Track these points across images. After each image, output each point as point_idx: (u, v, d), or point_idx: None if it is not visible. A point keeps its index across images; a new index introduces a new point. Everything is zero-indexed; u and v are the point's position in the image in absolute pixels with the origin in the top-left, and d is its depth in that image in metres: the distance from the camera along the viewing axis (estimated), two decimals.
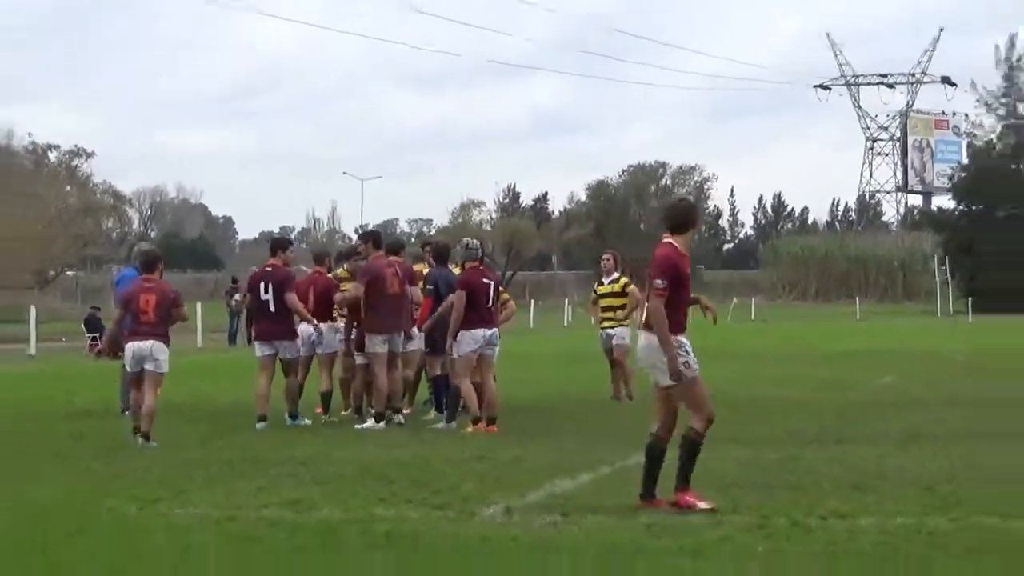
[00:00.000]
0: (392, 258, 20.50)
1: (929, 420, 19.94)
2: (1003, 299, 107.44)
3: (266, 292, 20.47)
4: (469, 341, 19.17)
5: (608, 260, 25.29)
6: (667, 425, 12.52)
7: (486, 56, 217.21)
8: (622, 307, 24.64)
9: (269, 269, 20.85)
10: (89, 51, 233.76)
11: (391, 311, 20.03)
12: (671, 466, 12.22)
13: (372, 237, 21.27)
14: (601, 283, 25.38)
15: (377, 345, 19.92)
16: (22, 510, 12.41)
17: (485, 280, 19.33)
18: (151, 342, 18.10)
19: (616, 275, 24.89)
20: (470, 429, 19.07)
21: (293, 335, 20.73)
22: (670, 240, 12.62)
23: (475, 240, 21.37)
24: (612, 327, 24.62)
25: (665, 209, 13.44)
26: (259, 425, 19.86)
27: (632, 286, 25.06)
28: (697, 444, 12.33)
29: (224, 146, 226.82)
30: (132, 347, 18.28)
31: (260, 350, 20.78)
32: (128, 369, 18.88)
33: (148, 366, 18.13)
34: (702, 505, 11.95)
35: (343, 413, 21.40)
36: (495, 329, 19.45)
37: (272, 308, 20.44)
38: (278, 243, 22.29)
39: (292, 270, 21.65)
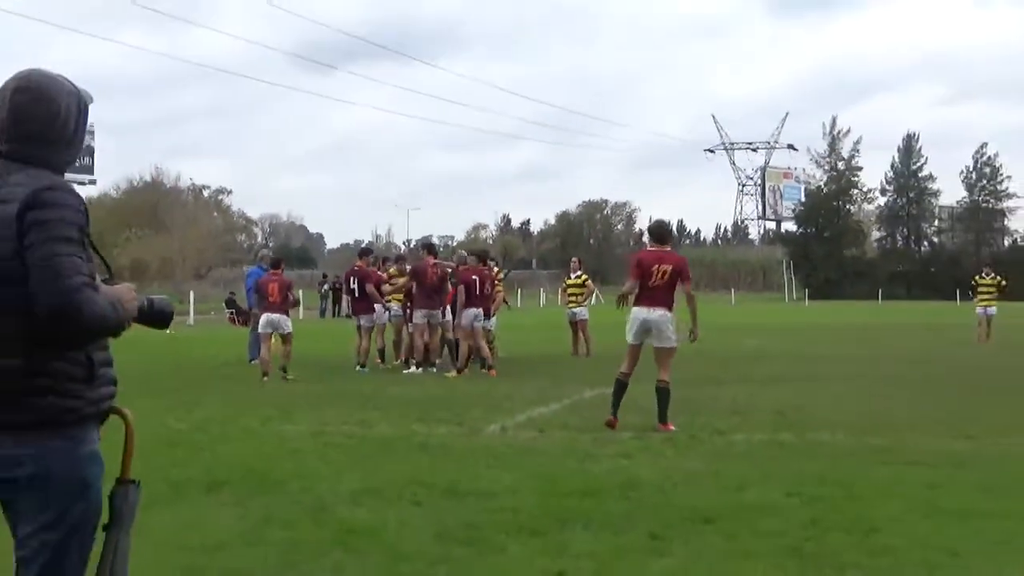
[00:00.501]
0: (433, 260, 20.65)
1: (782, 369, 19.97)
2: (827, 289, 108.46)
3: (354, 283, 20.85)
4: (468, 316, 19.38)
5: (575, 262, 26.41)
6: (631, 368, 12.32)
7: (490, 129, 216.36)
8: (581, 293, 25.12)
9: (357, 268, 21.22)
10: (232, 125, 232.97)
11: (429, 296, 20.03)
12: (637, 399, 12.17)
13: (428, 247, 21.43)
14: (569, 277, 26.14)
15: (419, 318, 19.95)
16: (188, 423, 12.40)
17: (474, 277, 19.69)
18: (278, 315, 18.76)
19: (579, 272, 25.51)
20: (452, 374, 19.06)
21: (371, 311, 20.79)
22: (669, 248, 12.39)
23: (464, 252, 22.30)
24: (575, 306, 25.05)
25: (659, 227, 12.95)
26: (359, 369, 20.09)
27: (589, 280, 25.66)
28: (668, 391, 12.05)
29: (318, 185, 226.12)
30: (266, 316, 18.90)
31: (356, 321, 21.04)
32: (260, 331, 19.38)
33: (280, 329, 18.84)
34: (672, 428, 11.74)
35: (395, 363, 21.37)
36: (479, 309, 19.57)
37: (358, 294, 20.74)
38: (363, 251, 23.46)
39: (371, 269, 21.67)
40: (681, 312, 12.30)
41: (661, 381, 12.07)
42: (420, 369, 19.89)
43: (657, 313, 11.99)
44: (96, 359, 3.52)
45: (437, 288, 20.10)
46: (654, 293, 12.04)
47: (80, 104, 3.60)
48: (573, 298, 25.24)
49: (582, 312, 24.77)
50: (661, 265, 12.05)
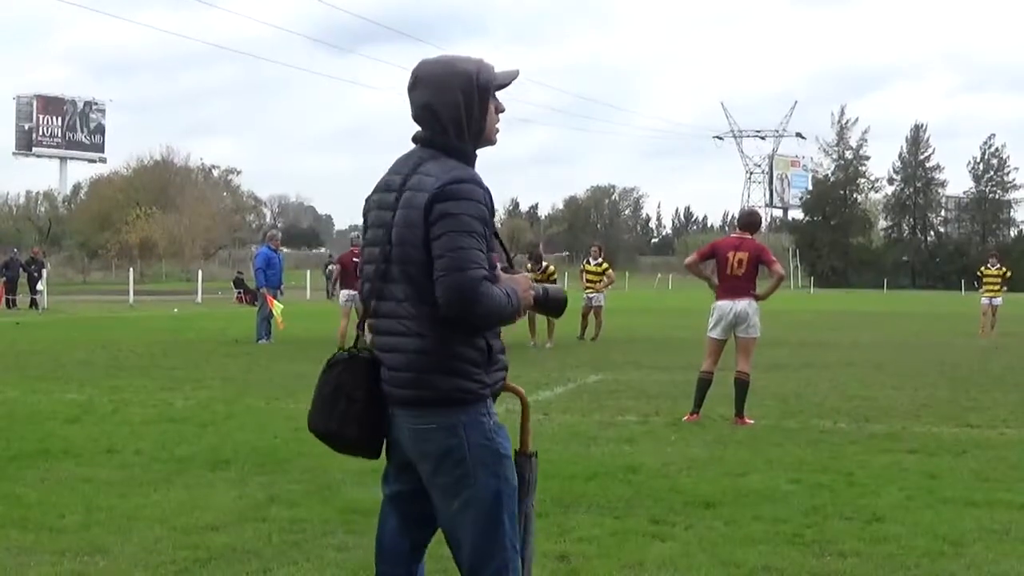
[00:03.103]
0: None
1: (785, 355, 19.97)
2: (833, 277, 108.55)
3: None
4: None
5: (595, 249, 26.14)
6: (714, 366, 11.68)
7: (506, 114, 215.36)
8: (600, 280, 25.04)
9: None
10: (247, 106, 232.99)
11: None
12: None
13: None
14: (589, 263, 25.90)
15: None
16: (193, 402, 12.42)
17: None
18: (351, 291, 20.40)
19: (600, 260, 25.36)
20: None
21: None
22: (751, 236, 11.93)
23: None
24: (592, 292, 24.95)
25: (746, 215, 12.47)
26: None
27: (610, 270, 25.64)
28: (747, 383, 11.55)
29: (330, 166, 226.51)
30: (347, 292, 20.93)
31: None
32: (342, 304, 21.26)
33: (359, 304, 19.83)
34: (750, 422, 11.32)
35: None
36: None
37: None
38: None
39: None
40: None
41: (741, 372, 11.54)
42: None
43: (743, 303, 11.49)
44: (494, 346, 3.69)
45: None
46: (736, 283, 11.56)
47: (479, 84, 3.68)
48: (591, 284, 25.05)
49: (599, 298, 24.83)
50: (737, 252, 11.57)
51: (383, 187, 3.71)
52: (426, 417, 3.56)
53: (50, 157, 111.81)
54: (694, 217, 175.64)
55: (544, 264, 23.58)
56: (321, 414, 3.69)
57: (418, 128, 3.71)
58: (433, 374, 3.53)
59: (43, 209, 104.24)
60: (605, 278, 25.32)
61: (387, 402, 3.63)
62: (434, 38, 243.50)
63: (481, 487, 3.57)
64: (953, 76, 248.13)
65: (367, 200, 3.81)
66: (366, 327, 3.75)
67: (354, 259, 21.51)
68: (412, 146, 3.74)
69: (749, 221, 12.13)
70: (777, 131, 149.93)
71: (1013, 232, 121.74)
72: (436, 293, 3.45)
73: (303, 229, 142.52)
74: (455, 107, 3.64)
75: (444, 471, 3.58)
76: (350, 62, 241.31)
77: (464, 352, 3.56)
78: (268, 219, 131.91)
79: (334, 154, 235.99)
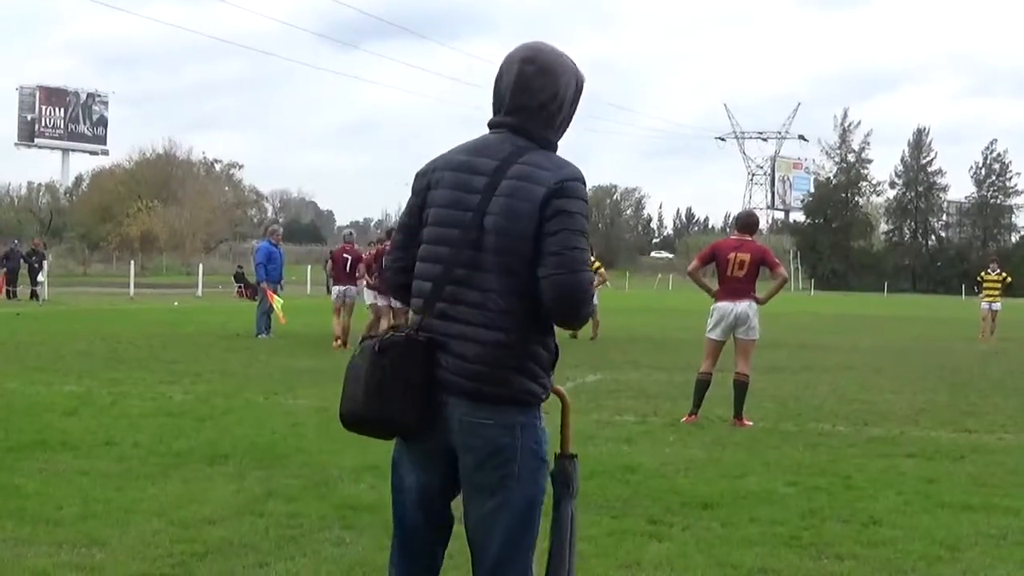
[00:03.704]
0: None
1: (785, 357, 19.98)
2: (834, 280, 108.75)
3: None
4: None
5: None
6: (712, 367, 11.65)
7: None
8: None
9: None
10: (251, 100, 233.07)
11: None
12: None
13: None
14: None
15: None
16: (192, 396, 12.42)
17: None
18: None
19: (591, 258, 24.95)
20: None
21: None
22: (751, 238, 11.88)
23: None
24: None
25: (745, 217, 12.37)
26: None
27: (602, 268, 25.40)
28: (747, 385, 11.52)
29: (333, 162, 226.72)
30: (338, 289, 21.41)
31: (383, 301, 20.11)
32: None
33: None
34: (749, 424, 11.31)
35: None
36: None
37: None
38: (391, 231, 22.11)
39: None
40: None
41: (741, 374, 11.51)
42: None
43: (743, 305, 11.45)
44: (558, 350, 3.66)
45: None
46: (736, 285, 11.52)
47: (579, 85, 3.66)
48: None
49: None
50: (738, 254, 11.50)
51: (462, 167, 3.55)
52: (485, 411, 3.46)
53: (52, 148, 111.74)
54: (695, 218, 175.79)
55: None
56: (378, 399, 3.47)
57: (501, 110, 3.61)
58: (508, 371, 3.45)
59: (44, 200, 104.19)
60: (597, 277, 25.00)
61: (440, 389, 3.48)
62: (438, 35, 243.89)
63: (521, 491, 3.50)
64: (959, 80, 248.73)
65: (425, 175, 3.65)
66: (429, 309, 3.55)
67: (344, 255, 21.50)
68: (480, 136, 3.64)
69: (748, 222, 12.11)
70: (780, 133, 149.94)
71: (1014, 237, 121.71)
72: (545, 289, 3.38)
73: (304, 224, 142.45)
74: (564, 102, 3.61)
75: (489, 468, 3.48)
76: (354, 58, 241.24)
77: (539, 353, 3.53)
78: (269, 214, 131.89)
79: (337, 150, 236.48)
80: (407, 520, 3.71)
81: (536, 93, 3.54)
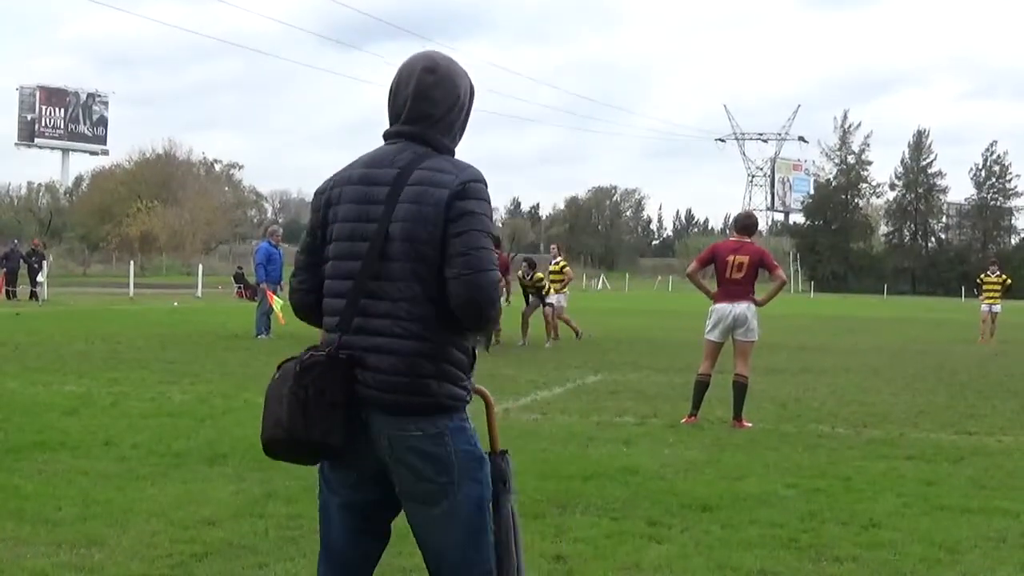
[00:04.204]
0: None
1: (784, 359, 19.98)
2: (833, 282, 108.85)
3: None
4: None
5: (554, 248, 25.59)
6: (711, 368, 11.64)
7: (506, 113, 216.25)
8: (560, 280, 24.29)
9: None
10: (251, 101, 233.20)
11: None
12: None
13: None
14: (549, 264, 24.93)
15: None
16: (191, 396, 12.42)
17: None
18: None
19: (559, 259, 24.69)
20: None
21: None
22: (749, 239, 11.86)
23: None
24: (551, 294, 23.82)
25: (743, 218, 12.31)
26: None
27: (567, 267, 24.87)
28: (746, 386, 11.50)
29: (333, 162, 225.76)
30: None
31: None
32: None
33: None
34: (748, 425, 11.30)
35: None
36: None
37: None
38: None
39: None
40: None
41: (740, 375, 11.49)
42: None
43: (741, 306, 11.43)
44: (476, 350, 3.63)
45: None
46: (734, 287, 11.51)
47: (472, 92, 3.69)
48: (553, 285, 24.05)
49: (559, 299, 23.82)
50: (737, 256, 11.48)
51: (362, 180, 3.55)
52: (412, 423, 3.42)
53: (52, 148, 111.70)
54: (695, 219, 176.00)
55: (535, 272, 23.29)
56: (302, 421, 3.40)
57: (399, 120, 3.61)
58: (429, 379, 3.42)
59: (44, 201, 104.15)
60: (563, 276, 24.49)
61: (361, 405, 3.44)
62: (439, 35, 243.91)
63: (466, 494, 3.48)
64: (959, 82, 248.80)
65: (324, 193, 3.64)
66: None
67: None
68: (376, 147, 3.64)
69: (746, 224, 12.10)
70: (779, 134, 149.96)
71: (1014, 239, 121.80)
72: (453, 291, 3.37)
73: (304, 225, 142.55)
74: (463, 109, 3.63)
75: (427, 479, 3.45)
76: (355, 58, 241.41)
77: (457, 357, 3.49)
78: (269, 214, 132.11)
79: (337, 150, 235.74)
80: (337, 543, 3.71)
81: (438, 102, 3.56)
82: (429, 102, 3.55)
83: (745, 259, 11.49)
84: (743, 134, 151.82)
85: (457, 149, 3.65)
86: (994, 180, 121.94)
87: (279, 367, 3.55)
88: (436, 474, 3.45)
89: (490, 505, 3.57)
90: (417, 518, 3.53)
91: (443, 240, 3.39)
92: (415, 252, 3.41)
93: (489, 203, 3.50)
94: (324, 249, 3.62)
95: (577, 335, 24.04)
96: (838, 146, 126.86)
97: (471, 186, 3.44)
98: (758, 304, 11.63)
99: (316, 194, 3.68)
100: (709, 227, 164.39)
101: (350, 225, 3.53)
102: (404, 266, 3.42)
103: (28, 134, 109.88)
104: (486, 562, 3.54)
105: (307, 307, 3.72)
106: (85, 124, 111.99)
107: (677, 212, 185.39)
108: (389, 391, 3.41)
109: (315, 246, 3.66)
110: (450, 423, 3.47)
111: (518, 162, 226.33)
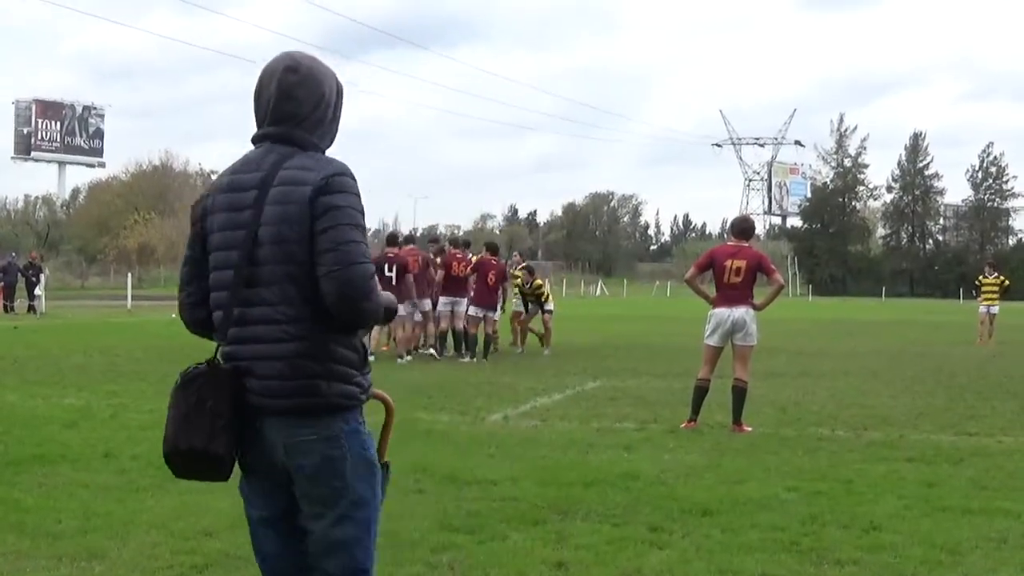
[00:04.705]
0: (452, 249, 21.24)
1: (783, 362, 19.98)
2: (832, 285, 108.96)
3: (390, 270, 19.11)
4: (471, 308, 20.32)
5: (516, 255, 25.39)
6: (711, 373, 11.63)
7: (504, 120, 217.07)
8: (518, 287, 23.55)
9: (392, 255, 19.49)
10: (246, 111, 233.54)
11: (459, 285, 20.44)
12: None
13: (463, 243, 22.60)
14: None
15: (442, 305, 20.48)
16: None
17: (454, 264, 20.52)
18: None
19: (522, 265, 24.18)
20: (465, 360, 19.65)
21: (408, 299, 19.31)
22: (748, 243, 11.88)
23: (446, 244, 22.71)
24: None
25: (739, 223, 12.36)
26: (400, 360, 19.21)
27: (544, 285, 24.32)
28: (745, 391, 11.48)
29: None
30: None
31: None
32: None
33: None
34: (748, 429, 11.29)
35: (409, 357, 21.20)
36: (461, 299, 20.35)
37: (393, 282, 18.89)
38: (393, 238, 21.12)
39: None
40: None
41: (739, 380, 11.47)
42: (410, 356, 19.90)
43: (740, 311, 11.43)
44: (366, 346, 3.58)
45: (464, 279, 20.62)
46: (733, 292, 11.50)
47: (339, 90, 3.64)
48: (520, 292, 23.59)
49: (517, 303, 23.45)
50: (735, 261, 11.47)
51: (231, 187, 3.50)
52: (306, 427, 3.39)
53: (49, 161, 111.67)
54: (692, 224, 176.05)
55: (534, 279, 23.02)
56: (184, 431, 3.39)
57: (264, 122, 3.55)
58: (317, 379, 3.37)
59: (42, 214, 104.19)
60: (543, 291, 23.48)
61: (254, 415, 3.41)
62: (435, 43, 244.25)
63: (358, 499, 3.45)
64: (954, 84, 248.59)
65: (200, 203, 3.61)
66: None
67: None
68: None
69: (743, 228, 12.11)
70: (776, 138, 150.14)
71: (1012, 240, 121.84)
72: (324, 289, 3.32)
73: None
74: (329, 106, 3.58)
75: (322, 482, 3.43)
76: (352, 69, 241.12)
77: (345, 354, 3.44)
78: None
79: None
80: (270, 557, 3.65)
81: (302, 101, 3.51)
82: (293, 102, 3.50)
83: (743, 263, 11.49)
84: (739, 139, 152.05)
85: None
86: (991, 181, 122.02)
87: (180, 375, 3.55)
88: (331, 477, 3.42)
89: (378, 513, 3.54)
90: (310, 522, 3.49)
91: (311, 238, 3.35)
92: (285, 254, 3.36)
93: (358, 196, 3.45)
94: (206, 261, 3.57)
95: (519, 348, 23.04)
96: (834, 149, 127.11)
97: (334, 180, 3.39)
98: (757, 308, 11.64)
99: (193, 207, 3.65)
100: (707, 232, 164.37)
101: (222, 235, 3.49)
102: (276, 269, 3.38)
103: (25, 147, 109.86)
104: (368, 570, 3.52)
105: (198, 321, 3.68)
106: (81, 137, 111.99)
107: (675, 217, 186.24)
108: (278, 396, 3.38)
109: (196, 258, 3.61)
110: (345, 426, 3.44)
111: (515, 169, 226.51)
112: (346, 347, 3.45)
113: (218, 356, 3.46)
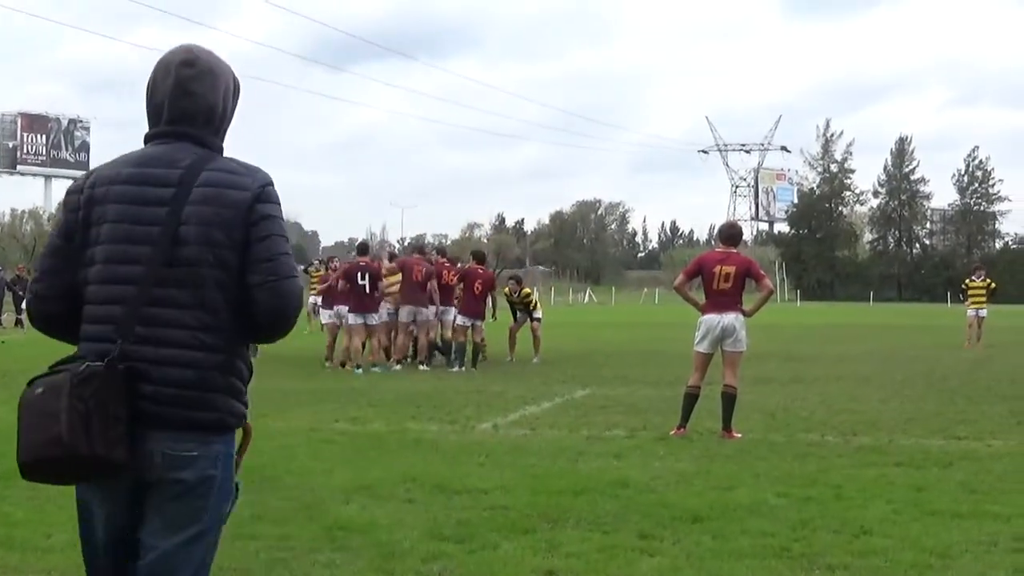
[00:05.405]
0: (440, 259, 21.33)
1: (772, 368, 20.00)
2: (819, 290, 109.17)
3: (363, 279, 19.36)
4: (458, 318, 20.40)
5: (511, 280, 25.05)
6: (701, 380, 11.63)
7: (491, 129, 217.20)
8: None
9: (364, 264, 19.64)
10: (234, 122, 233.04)
11: (447, 294, 20.50)
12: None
13: (440, 251, 23.28)
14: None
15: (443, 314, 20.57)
16: None
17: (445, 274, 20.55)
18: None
19: (526, 289, 24.06)
20: (454, 369, 19.60)
21: (377, 309, 19.72)
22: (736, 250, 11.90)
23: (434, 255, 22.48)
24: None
25: (727, 228, 12.35)
26: (356, 371, 19.10)
27: (532, 294, 24.29)
28: (734, 397, 11.49)
29: (318, 183, 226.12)
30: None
31: (355, 319, 19.58)
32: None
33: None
34: (738, 436, 11.29)
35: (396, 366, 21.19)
36: (449, 308, 20.44)
37: (367, 290, 19.35)
38: (364, 247, 21.25)
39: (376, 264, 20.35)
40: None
41: (728, 386, 11.48)
42: (399, 366, 19.94)
43: (730, 317, 11.44)
44: (251, 366, 3.46)
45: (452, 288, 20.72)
46: (722, 298, 11.53)
47: (236, 85, 3.53)
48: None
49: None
50: (724, 267, 11.48)
51: (134, 180, 3.30)
52: (191, 440, 3.22)
53: (35, 175, 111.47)
54: (680, 231, 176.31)
55: (522, 288, 23.27)
56: (82, 437, 3.11)
57: (160, 120, 3.40)
58: (218, 393, 3.25)
59: (28, 227, 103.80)
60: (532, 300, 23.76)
61: (137, 420, 3.18)
62: (424, 54, 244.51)
63: (211, 522, 3.32)
64: (940, 89, 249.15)
65: (80, 191, 3.37)
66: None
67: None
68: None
69: (731, 234, 12.14)
70: (762, 144, 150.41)
71: (998, 244, 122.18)
72: (256, 299, 3.22)
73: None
74: (227, 103, 3.48)
75: (188, 500, 3.25)
76: (340, 79, 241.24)
77: (242, 370, 3.34)
78: None
79: (322, 171, 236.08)
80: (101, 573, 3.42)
81: (199, 97, 3.37)
82: (191, 97, 3.36)
83: (732, 270, 11.51)
84: (726, 145, 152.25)
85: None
86: (977, 185, 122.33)
87: (34, 382, 3.30)
88: (199, 496, 3.27)
89: (218, 536, 3.42)
90: (157, 539, 3.28)
91: (244, 245, 3.24)
92: (213, 257, 3.22)
93: (281, 207, 3.37)
94: (83, 253, 3.33)
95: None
96: (821, 155, 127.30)
97: (269, 189, 3.32)
98: (746, 314, 11.66)
99: (70, 192, 3.41)
100: (694, 239, 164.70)
101: (126, 227, 3.27)
102: (197, 272, 3.22)
103: (10, 161, 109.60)
104: None
105: (50, 317, 3.42)
106: (67, 150, 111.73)
107: (662, 224, 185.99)
108: (176, 406, 3.21)
109: (67, 249, 3.36)
110: (224, 447, 3.32)
111: (503, 177, 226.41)
112: (245, 363, 3.37)
113: (113, 356, 3.19)
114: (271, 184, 3.34)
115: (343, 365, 19.97)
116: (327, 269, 25.29)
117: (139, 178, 3.31)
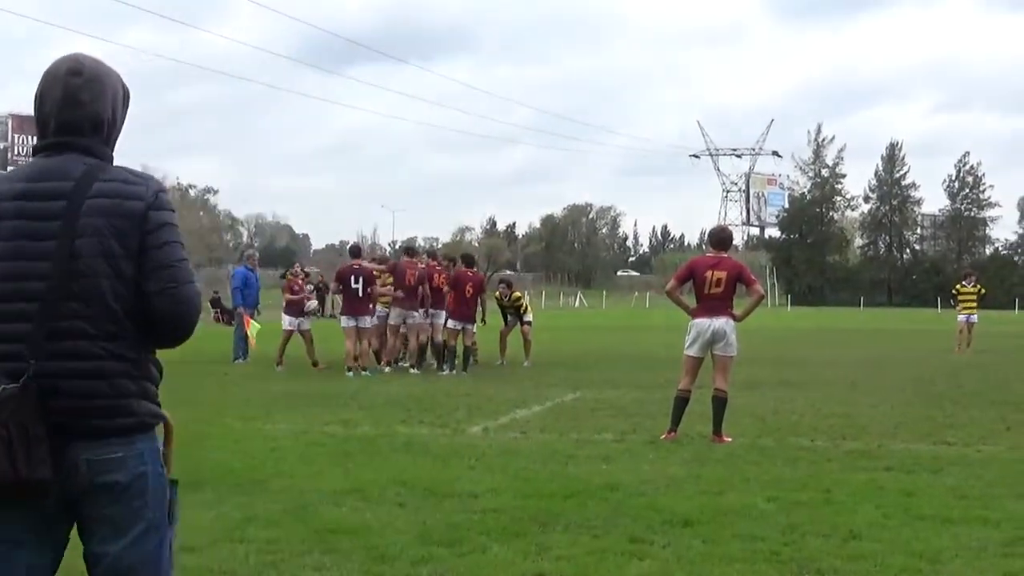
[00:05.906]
0: (431, 262, 21.34)
1: (763, 373, 20.01)
2: (810, 295, 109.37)
3: (356, 282, 19.46)
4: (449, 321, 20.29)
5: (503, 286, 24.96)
6: (692, 383, 11.66)
7: (483, 133, 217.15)
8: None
9: (357, 267, 19.74)
10: (227, 125, 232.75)
11: (437, 297, 20.43)
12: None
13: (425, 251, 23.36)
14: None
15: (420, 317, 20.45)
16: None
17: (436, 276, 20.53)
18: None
19: (517, 293, 24.10)
20: (444, 373, 19.64)
21: (372, 312, 19.85)
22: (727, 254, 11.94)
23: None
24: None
25: (717, 233, 12.38)
26: (348, 373, 19.08)
27: (524, 298, 24.32)
28: (725, 401, 11.51)
29: (309, 186, 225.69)
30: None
31: (348, 322, 19.64)
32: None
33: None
34: (728, 440, 11.28)
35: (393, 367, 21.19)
36: (440, 311, 20.33)
37: (360, 294, 19.45)
38: (357, 249, 21.55)
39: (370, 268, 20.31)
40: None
41: (719, 390, 11.49)
42: (389, 368, 19.96)
43: (720, 321, 11.45)
44: (162, 367, 3.46)
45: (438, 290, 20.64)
46: (713, 302, 11.53)
47: (125, 93, 3.50)
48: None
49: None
50: (715, 272, 11.50)
51: (25, 195, 3.26)
52: (113, 445, 3.21)
53: None
54: (671, 236, 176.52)
55: (512, 292, 23.42)
56: (5, 462, 3.06)
57: (48, 131, 3.35)
58: (131, 398, 3.25)
59: None
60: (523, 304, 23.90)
61: (59, 436, 3.15)
62: (415, 57, 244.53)
63: (156, 518, 3.30)
64: (931, 94, 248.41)
65: None
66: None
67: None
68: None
69: (721, 238, 12.15)
70: (753, 149, 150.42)
71: (988, 250, 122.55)
72: (156, 306, 3.22)
73: (280, 248, 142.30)
74: (116, 111, 3.44)
75: (124, 502, 3.24)
76: (331, 81, 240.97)
77: (153, 372, 3.35)
78: (244, 238, 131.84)
79: (312, 173, 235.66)
80: None
81: (87, 106, 3.33)
82: (80, 107, 3.32)
83: (723, 274, 11.53)
84: (717, 150, 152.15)
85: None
86: (968, 191, 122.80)
87: None
88: (136, 495, 3.26)
89: (172, 536, 3.41)
90: (105, 546, 3.25)
91: (140, 253, 3.23)
92: (111, 268, 3.21)
93: (176, 214, 3.37)
94: None
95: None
96: (812, 160, 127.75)
97: (162, 196, 3.31)
98: (737, 319, 11.67)
99: None
100: (685, 243, 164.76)
101: (19, 244, 3.22)
102: (97, 283, 3.20)
103: (1, 163, 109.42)
104: None
105: None
106: None
107: (653, 228, 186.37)
108: (91, 416, 3.20)
109: None
110: (149, 444, 3.32)
111: (493, 181, 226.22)
112: (155, 365, 3.37)
113: (27, 375, 3.13)
114: (164, 191, 3.34)
115: (315, 365, 20.49)
116: (304, 277, 25.06)
117: (31, 194, 3.28)
